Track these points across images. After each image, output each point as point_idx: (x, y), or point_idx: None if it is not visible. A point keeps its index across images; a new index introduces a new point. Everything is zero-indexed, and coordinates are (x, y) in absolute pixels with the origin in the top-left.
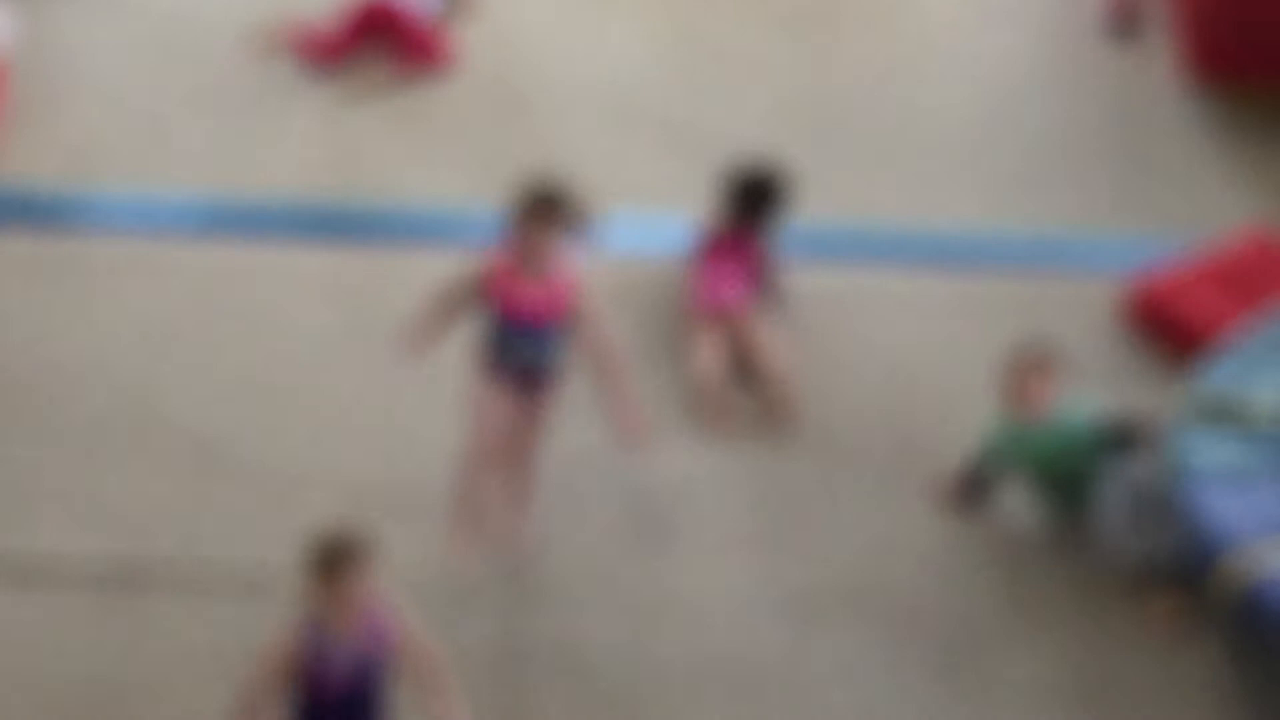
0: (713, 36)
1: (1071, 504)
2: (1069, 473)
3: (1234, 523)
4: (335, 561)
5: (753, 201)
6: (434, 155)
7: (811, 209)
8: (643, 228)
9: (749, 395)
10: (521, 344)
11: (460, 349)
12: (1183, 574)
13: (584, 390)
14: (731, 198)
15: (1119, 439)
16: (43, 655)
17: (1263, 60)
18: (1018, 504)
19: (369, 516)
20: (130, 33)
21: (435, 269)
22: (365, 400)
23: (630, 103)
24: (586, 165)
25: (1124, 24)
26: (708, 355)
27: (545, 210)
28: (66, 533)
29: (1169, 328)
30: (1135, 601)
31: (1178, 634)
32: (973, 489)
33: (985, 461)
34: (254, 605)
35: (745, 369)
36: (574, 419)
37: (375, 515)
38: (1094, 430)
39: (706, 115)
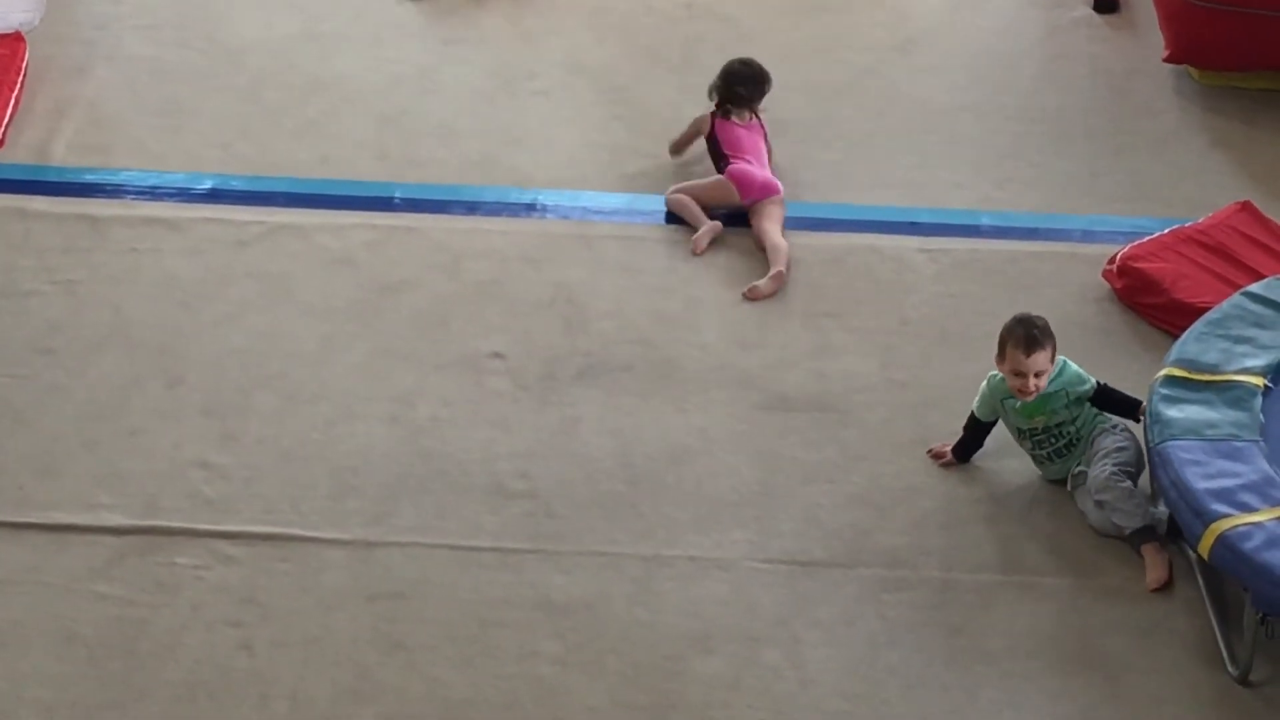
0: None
1: (1059, 462)
2: (1056, 430)
3: (1214, 485)
4: None
5: (745, 84)
6: None
7: (803, 193)
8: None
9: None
10: None
11: (476, 346)
12: (1167, 534)
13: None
14: (727, 87)
15: (1101, 399)
16: (64, 602)
17: (1231, 59)
18: (1011, 463)
19: (382, 486)
20: (152, 6)
21: (454, 237)
22: (379, 370)
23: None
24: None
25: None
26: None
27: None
28: (86, 492)
29: (1152, 296)
30: (1125, 561)
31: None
32: (965, 446)
33: (977, 419)
34: (265, 562)
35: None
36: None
37: (389, 485)
38: (1079, 389)
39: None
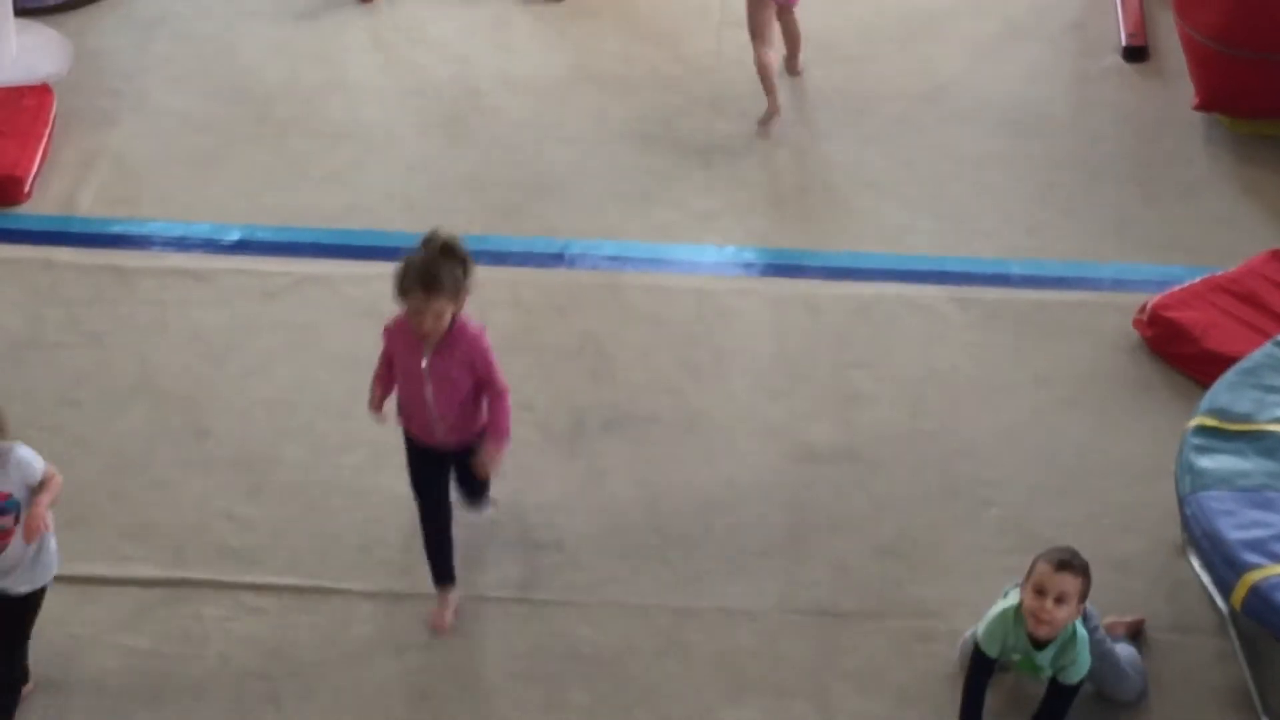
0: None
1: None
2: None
3: (1247, 535)
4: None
5: None
6: None
7: (832, 241)
8: None
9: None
10: None
11: None
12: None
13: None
14: None
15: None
16: (92, 654)
17: (1262, 106)
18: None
19: (409, 538)
20: (179, 57)
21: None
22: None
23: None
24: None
25: (1138, 48)
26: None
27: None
28: (113, 544)
29: (1183, 345)
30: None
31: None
32: (973, 671)
33: (983, 654)
34: (293, 614)
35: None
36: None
37: (416, 536)
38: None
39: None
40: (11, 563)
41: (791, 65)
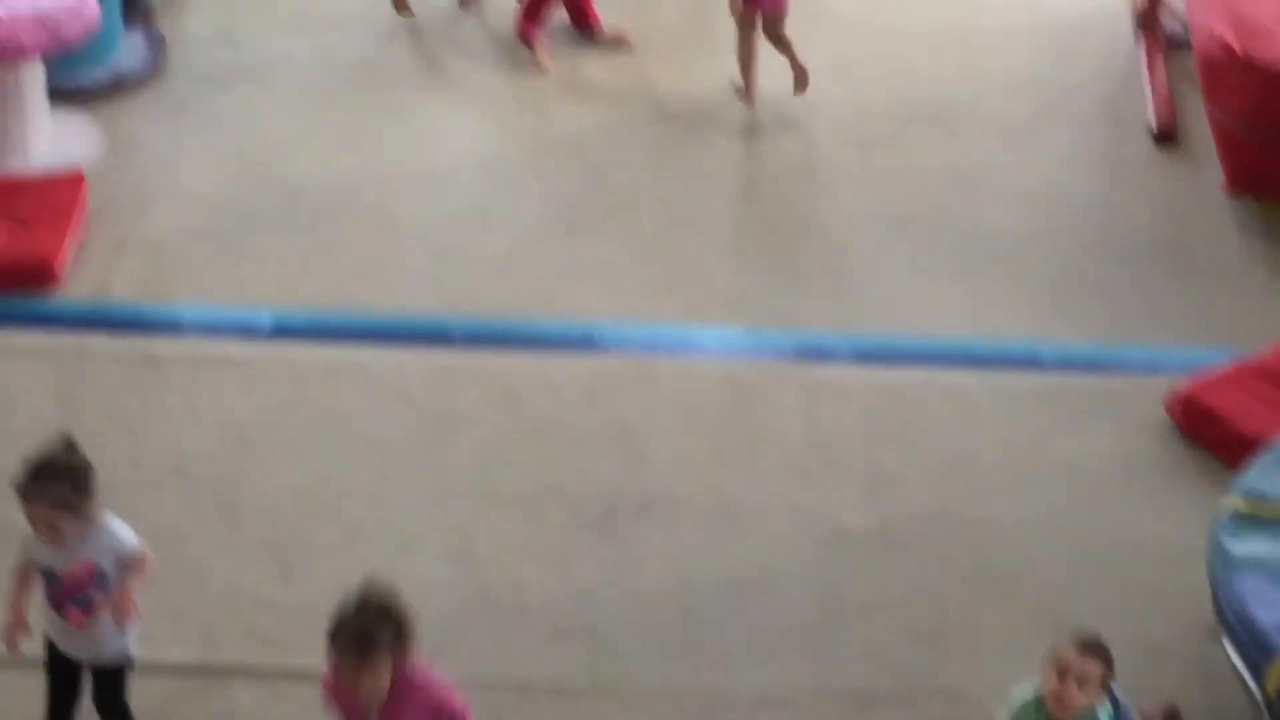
0: None
1: None
2: None
3: (1279, 620)
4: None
5: None
6: None
7: (863, 323)
8: None
9: None
10: None
11: (535, 481)
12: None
13: None
14: None
15: None
16: None
17: None
18: None
19: (440, 619)
20: (211, 143)
21: (512, 372)
22: (437, 506)
23: None
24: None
25: (1168, 130)
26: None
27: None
28: (145, 629)
29: (1215, 429)
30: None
31: None
32: None
33: None
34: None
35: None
36: None
37: (448, 621)
38: None
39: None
40: (100, 637)
41: (799, 83)
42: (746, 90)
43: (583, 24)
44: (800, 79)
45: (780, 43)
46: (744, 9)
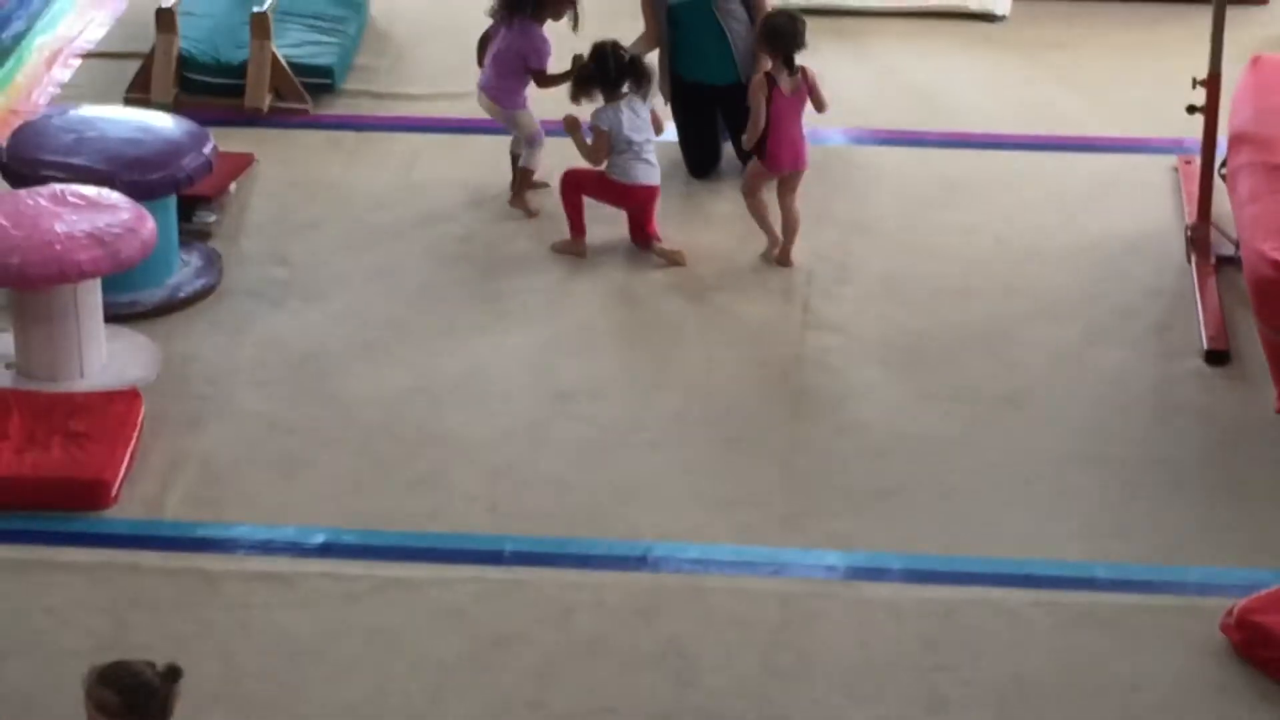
0: None
1: None
2: None
3: None
4: None
5: (786, 40)
6: None
7: (915, 545)
8: None
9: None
10: None
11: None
12: None
13: None
14: (772, 47)
15: None
16: None
17: None
18: None
19: None
20: (266, 361)
21: (564, 590)
22: None
23: None
24: None
25: (1219, 350)
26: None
27: None
28: None
29: (1271, 650)
30: None
31: None
32: None
33: None
34: None
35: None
36: None
37: None
38: None
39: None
40: None
41: (785, 253)
42: (771, 243)
43: (641, 238)
44: (789, 244)
45: (791, 199)
46: (758, 170)
